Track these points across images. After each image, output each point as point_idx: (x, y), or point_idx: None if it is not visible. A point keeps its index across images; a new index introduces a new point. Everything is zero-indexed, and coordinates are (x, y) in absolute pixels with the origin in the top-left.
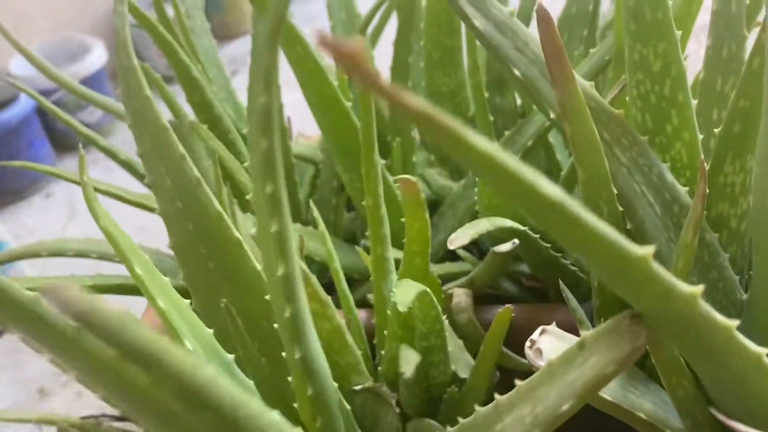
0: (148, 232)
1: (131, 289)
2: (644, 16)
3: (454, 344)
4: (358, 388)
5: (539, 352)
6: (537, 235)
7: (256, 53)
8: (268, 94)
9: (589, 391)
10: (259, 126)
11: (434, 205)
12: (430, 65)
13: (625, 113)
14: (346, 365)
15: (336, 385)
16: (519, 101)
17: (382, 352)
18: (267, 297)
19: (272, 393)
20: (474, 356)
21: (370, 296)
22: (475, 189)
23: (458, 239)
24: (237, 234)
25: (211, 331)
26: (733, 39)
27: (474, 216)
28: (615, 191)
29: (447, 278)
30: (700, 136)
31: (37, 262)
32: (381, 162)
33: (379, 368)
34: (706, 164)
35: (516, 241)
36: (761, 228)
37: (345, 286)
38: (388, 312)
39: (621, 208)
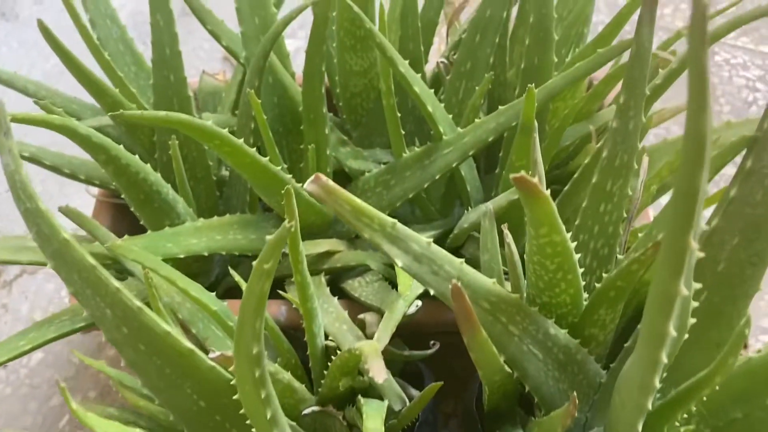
0: None
1: None
2: None
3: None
4: (308, 411)
5: None
6: None
7: None
8: None
9: None
10: None
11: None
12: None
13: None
14: (293, 402)
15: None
16: None
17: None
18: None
19: None
20: None
21: None
22: None
23: (381, 372)
24: (188, 344)
25: None
26: (626, 150)
27: None
28: (503, 358)
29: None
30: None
31: None
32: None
33: (320, 390)
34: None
35: (418, 303)
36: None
37: (280, 332)
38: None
39: (514, 372)
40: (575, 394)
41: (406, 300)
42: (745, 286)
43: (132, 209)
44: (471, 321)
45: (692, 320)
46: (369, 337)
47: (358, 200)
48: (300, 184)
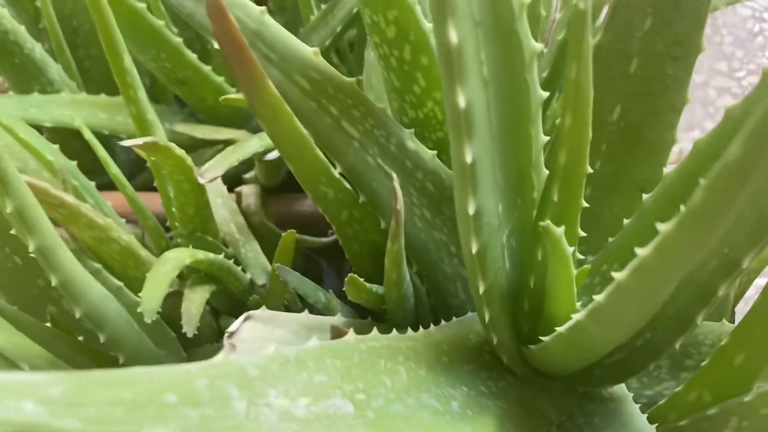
0: None
1: None
2: None
3: (251, 249)
4: None
5: (233, 347)
6: None
7: None
8: None
9: None
10: None
11: None
12: None
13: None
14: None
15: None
16: None
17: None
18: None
19: None
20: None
21: None
22: None
23: (210, 171)
24: None
25: None
26: None
27: None
28: (339, 169)
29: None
30: None
31: None
32: None
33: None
34: None
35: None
36: None
37: (130, 190)
38: None
39: (350, 183)
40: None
41: (263, 140)
42: (669, 94)
43: None
44: (240, 54)
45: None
46: (244, 209)
47: None
48: (209, 67)
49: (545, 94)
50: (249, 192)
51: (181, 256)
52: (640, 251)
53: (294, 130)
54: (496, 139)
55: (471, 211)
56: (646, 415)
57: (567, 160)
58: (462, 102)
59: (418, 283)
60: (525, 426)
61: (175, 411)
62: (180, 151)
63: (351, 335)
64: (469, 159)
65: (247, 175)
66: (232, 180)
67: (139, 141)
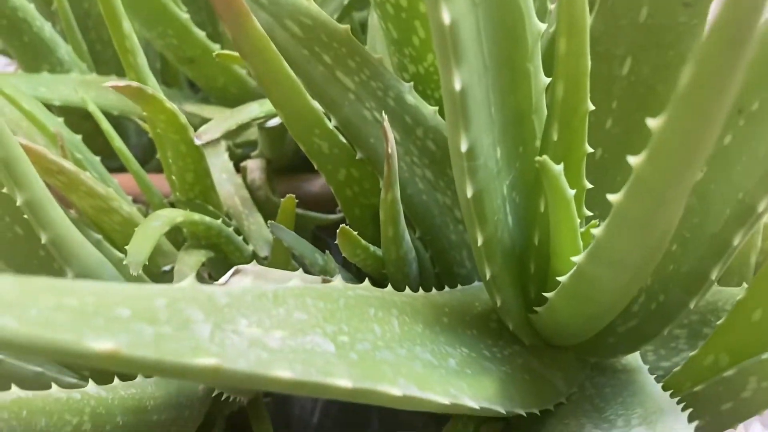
0: None
1: None
2: None
3: (255, 221)
4: (167, 269)
5: None
6: None
7: None
8: None
9: None
10: None
11: None
12: None
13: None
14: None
15: None
16: None
17: None
18: None
19: None
20: None
21: None
22: None
23: (207, 133)
24: None
25: None
26: None
27: None
28: (334, 122)
29: (246, 145)
30: None
31: None
32: None
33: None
34: None
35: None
36: None
37: (136, 165)
38: None
39: (346, 138)
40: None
41: (264, 106)
42: (681, 45)
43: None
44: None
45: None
46: (249, 183)
47: None
48: (217, 45)
49: (542, 26)
50: (254, 167)
51: (172, 214)
52: (633, 160)
53: (282, 72)
54: (489, 70)
55: (463, 147)
56: (660, 385)
57: (565, 92)
58: (446, 17)
59: (421, 249)
60: (530, 394)
61: (127, 325)
62: (171, 105)
63: (338, 281)
64: (458, 86)
65: (254, 154)
66: (240, 160)
67: (121, 82)
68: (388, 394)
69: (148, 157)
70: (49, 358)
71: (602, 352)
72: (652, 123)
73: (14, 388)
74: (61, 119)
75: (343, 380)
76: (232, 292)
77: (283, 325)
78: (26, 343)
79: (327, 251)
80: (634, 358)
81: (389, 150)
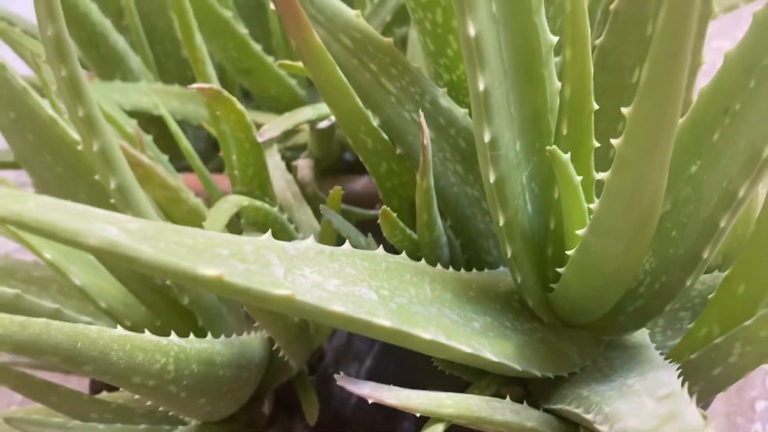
0: None
1: None
2: None
3: (304, 212)
4: None
5: None
6: None
7: None
8: None
9: None
10: None
11: None
12: None
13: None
14: None
15: None
16: None
17: None
18: None
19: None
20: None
21: None
22: None
23: (269, 131)
24: (75, 135)
25: None
26: None
27: None
28: (378, 122)
29: (295, 148)
30: None
31: None
32: None
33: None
34: None
35: (332, 118)
36: None
37: (199, 163)
38: None
39: (388, 136)
40: None
41: (317, 110)
42: None
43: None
44: (290, 6)
45: None
46: (300, 180)
47: None
48: (271, 57)
49: (555, 39)
50: (304, 165)
51: (239, 199)
52: (615, 141)
53: (335, 75)
54: (509, 74)
55: (486, 138)
56: (663, 356)
57: (572, 93)
58: (472, 30)
59: (452, 237)
60: (546, 361)
61: (226, 260)
62: (240, 106)
63: (380, 249)
64: (481, 86)
65: (304, 155)
66: (290, 161)
67: (205, 85)
68: (420, 337)
69: (204, 160)
70: (169, 278)
71: (614, 329)
72: (625, 111)
73: (119, 327)
74: (134, 121)
75: (384, 321)
76: (299, 247)
77: (338, 275)
78: (158, 266)
79: (369, 234)
80: (643, 336)
81: (425, 141)
